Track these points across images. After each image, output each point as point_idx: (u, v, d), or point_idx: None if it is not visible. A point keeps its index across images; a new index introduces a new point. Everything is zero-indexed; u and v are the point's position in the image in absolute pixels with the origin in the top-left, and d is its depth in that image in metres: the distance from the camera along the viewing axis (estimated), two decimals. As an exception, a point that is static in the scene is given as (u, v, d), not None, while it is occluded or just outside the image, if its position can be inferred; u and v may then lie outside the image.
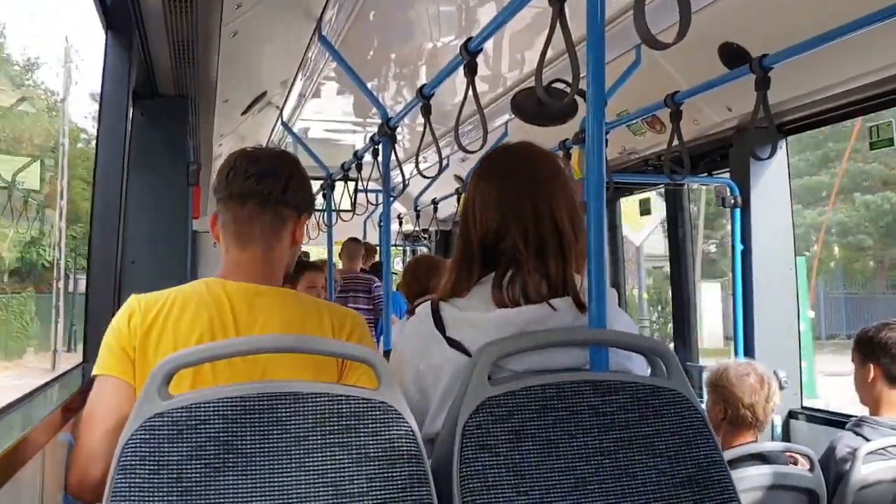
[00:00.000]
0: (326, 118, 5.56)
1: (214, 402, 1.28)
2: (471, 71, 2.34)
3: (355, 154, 4.41)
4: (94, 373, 1.53)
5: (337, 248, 7.43)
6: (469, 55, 2.33)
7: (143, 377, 1.49)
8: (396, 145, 3.53)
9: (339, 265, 6.90)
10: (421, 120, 2.91)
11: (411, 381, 1.57)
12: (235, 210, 1.66)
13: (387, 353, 3.48)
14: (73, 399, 1.84)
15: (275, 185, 1.65)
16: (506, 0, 3.36)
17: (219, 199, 1.69)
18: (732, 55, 3.35)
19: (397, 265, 11.51)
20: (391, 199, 3.74)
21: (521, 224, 1.59)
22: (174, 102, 3.19)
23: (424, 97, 2.85)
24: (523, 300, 1.54)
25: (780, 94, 3.22)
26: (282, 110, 4.91)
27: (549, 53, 1.79)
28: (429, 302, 1.62)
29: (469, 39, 2.33)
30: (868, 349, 2.72)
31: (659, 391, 1.47)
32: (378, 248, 7.64)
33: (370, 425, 1.31)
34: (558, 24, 1.77)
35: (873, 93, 3.21)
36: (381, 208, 5.95)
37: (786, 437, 3.73)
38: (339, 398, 1.32)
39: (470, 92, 2.34)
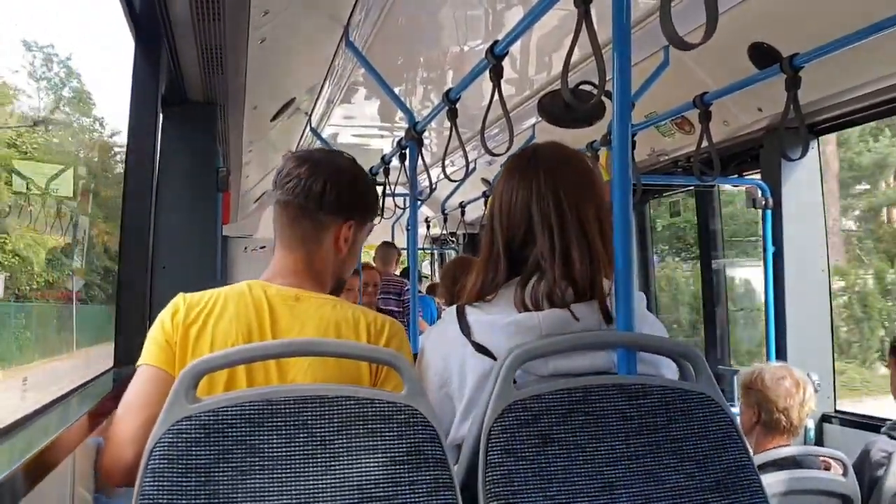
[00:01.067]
0: (355, 123, 5.58)
1: (240, 406, 1.29)
2: (497, 75, 2.34)
3: (383, 159, 4.43)
4: (138, 363, 1.55)
5: (364, 253, 7.48)
6: (495, 59, 2.33)
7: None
8: (424, 149, 3.54)
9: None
10: (448, 124, 2.91)
11: (437, 386, 1.56)
12: (281, 214, 1.68)
13: (414, 357, 3.51)
14: (103, 403, 1.86)
15: (312, 190, 1.64)
16: (532, 2, 3.39)
17: (274, 200, 1.71)
18: (762, 55, 3.31)
19: (425, 268, 11.53)
20: (418, 203, 3.73)
21: (546, 229, 1.58)
22: (203, 109, 3.22)
23: (450, 101, 2.85)
24: (547, 305, 1.53)
25: (811, 93, 3.18)
26: (310, 116, 4.94)
27: (576, 55, 1.79)
28: (454, 306, 1.62)
29: (495, 43, 2.32)
30: None
31: (687, 394, 1.45)
32: (405, 251, 7.66)
33: (395, 429, 1.31)
34: (584, 27, 1.76)
35: (907, 91, 3.16)
36: (408, 212, 5.97)
37: (819, 441, 3.67)
38: (365, 402, 1.32)
39: (496, 96, 2.34)
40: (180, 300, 1.60)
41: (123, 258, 2.63)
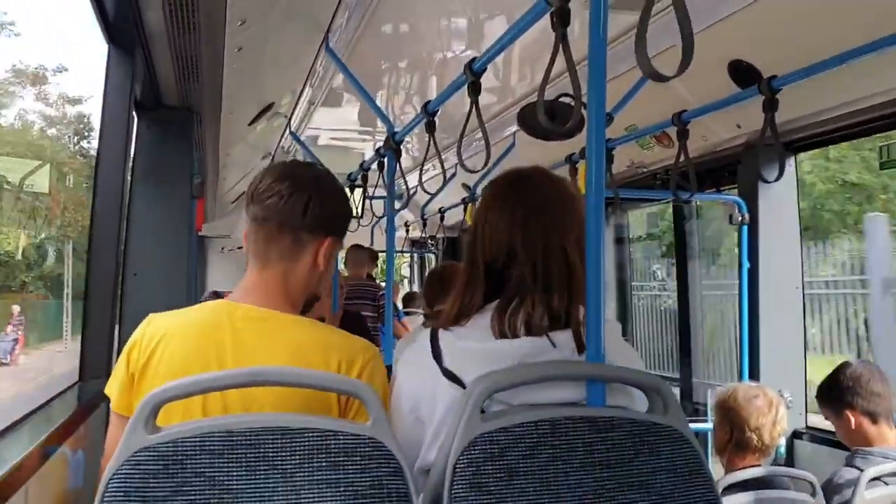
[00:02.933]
0: (335, 126, 5.54)
1: (200, 437, 1.26)
2: (474, 91, 2.32)
3: (361, 165, 4.40)
4: (110, 400, 1.55)
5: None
6: (473, 75, 2.31)
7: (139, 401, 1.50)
8: (405, 152, 3.51)
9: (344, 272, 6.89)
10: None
11: (408, 410, 1.54)
12: (257, 230, 1.63)
13: (388, 368, 3.48)
14: (66, 426, 1.81)
15: (295, 207, 1.60)
16: (513, 14, 3.37)
17: (246, 215, 1.66)
18: (742, 72, 3.32)
19: (404, 270, 11.49)
20: (395, 212, 3.71)
21: (530, 256, 1.56)
22: (179, 114, 3.17)
23: (429, 114, 2.83)
24: (524, 331, 1.51)
25: (789, 112, 3.19)
26: (290, 119, 4.90)
27: (556, 69, 1.77)
28: (428, 330, 1.60)
29: (473, 60, 2.30)
30: (837, 399, 2.65)
31: (655, 428, 1.44)
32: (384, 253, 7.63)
33: (359, 462, 1.29)
34: (560, 49, 1.75)
35: (884, 112, 3.18)
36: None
37: (789, 456, 3.69)
38: (328, 434, 1.30)
39: (474, 111, 2.32)
40: (143, 327, 1.58)
41: (92, 266, 2.58)
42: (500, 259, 1.59)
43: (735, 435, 2.68)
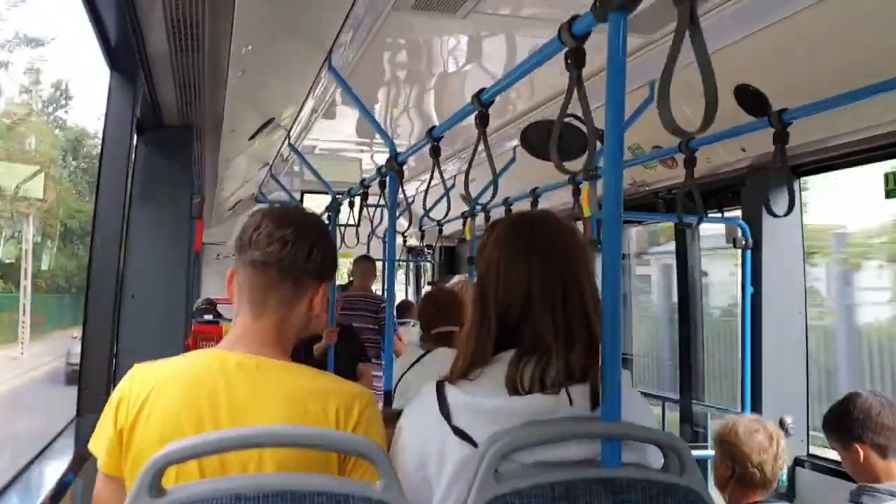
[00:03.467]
0: (333, 138, 5.51)
1: (208, 500, 1.22)
2: (482, 122, 2.28)
3: (362, 182, 4.36)
4: (96, 458, 1.49)
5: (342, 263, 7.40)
6: (481, 106, 2.27)
7: (129, 461, 1.45)
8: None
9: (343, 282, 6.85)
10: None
11: (414, 469, 1.50)
12: (254, 276, 1.57)
13: (387, 395, 3.44)
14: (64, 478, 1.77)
15: (298, 254, 1.56)
16: (516, 35, 3.34)
17: (238, 260, 1.61)
18: (748, 97, 3.29)
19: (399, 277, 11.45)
20: (396, 233, 3.67)
21: (549, 306, 1.52)
22: (179, 133, 3.12)
23: (433, 139, 2.79)
24: (538, 386, 1.47)
25: (795, 137, 3.15)
26: (289, 132, 4.86)
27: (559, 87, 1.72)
28: (434, 384, 1.55)
29: (482, 91, 2.26)
30: (847, 430, 2.57)
31: (671, 489, 1.41)
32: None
33: (370, 528, 1.25)
34: (575, 91, 1.72)
35: (891, 140, 3.16)
36: (384, 223, 5.92)
37: (791, 485, 3.66)
38: (339, 498, 1.26)
39: (481, 144, 2.28)
40: (130, 380, 1.52)
41: (91, 291, 2.52)
42: (515, 307, 1.55)
43: (737, 471, 2.65)
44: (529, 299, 1.53)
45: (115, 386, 1.58)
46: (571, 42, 1.70)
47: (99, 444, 1.50)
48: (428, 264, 9.60)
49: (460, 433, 1.46)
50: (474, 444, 1.43)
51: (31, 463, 1.86)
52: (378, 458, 1.30)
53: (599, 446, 1.45)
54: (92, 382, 2.30)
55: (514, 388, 1.47)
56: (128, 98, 2.37)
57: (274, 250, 1.55)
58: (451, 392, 1.51)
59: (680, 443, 1.46)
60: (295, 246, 1.56)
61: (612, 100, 1.54)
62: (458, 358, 1.58)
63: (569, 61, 1.72)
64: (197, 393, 1.47)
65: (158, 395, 1.47)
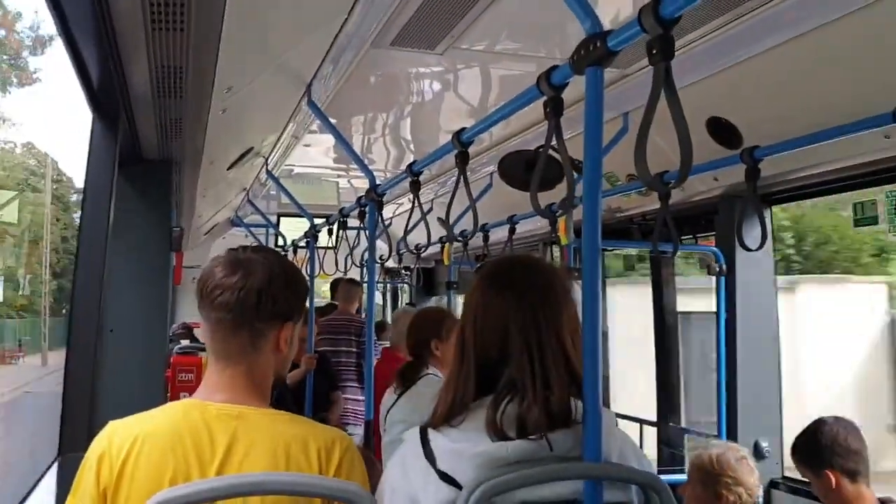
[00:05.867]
0: (312, 164, 5.53)
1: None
2: (463, 161, 2.33)
3: (341, 211, 4.39)
4: None
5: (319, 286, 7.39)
6: (461, 145, 2.32)
7: None
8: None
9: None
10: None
11: None
12: (213, 328, 1.58)
13: (368, 424, 3.44)
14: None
15: (247, 301, 1.54)
16: (494, 75, 3.40)
17: (200, 311, 1.60)
18: (720, 129, 3.37)
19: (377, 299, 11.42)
20: (376, 263, 3.70)
21: (525, 348, 1.54)
22: (158, 167, 3.13)
23: (413, 174, 2.84)
24: (516, 431, 1.50)
25: (765, 168, 3.24)
26: (267, 159, 4.88)
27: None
28: (417, 430, 1.58)
29: (462, 130, 2.31)
30: (817, 457, 2.63)
31: (652, 528, 1.45)
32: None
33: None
34: (554, 137, 1.76)
35: (858, 172, 3.24)
36: (361, 244, 5.93)
37: (767, 507, 3.72)
38: (329, 545, 1.29)
39: (461, 181, 2.32)
40: (108, 437, 1.50)
41: (74, 327, 2.52)
42: (493, 351, 1.57)
43: (731, 499, 2.68)
44: (506, 341, 1.55)
45: (94, 423, 1.58)
46: (550, 91, 1.76)
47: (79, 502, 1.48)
48: (406, 286, 9.61)
49: (446, 477, 1.48)
50: (458, 487, 1.46)
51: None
52: (364, 502, 1.33)
53: (581, 485, 1.48)
54: (74, 418, 2.30)
55: (494, 431, 1.48)
56: (110, 140, 2.38)
57: (222, 301, 1.55)
58: (435, 438, 1.54)
59: (659, 482, 1.50)
60: (241, 293, 1.54)
61: (590, 143, 1.59)
62: (439, 403, 1.60)
63: (547, 109, 1.77)
64: (182, 445, 1.47)
65: (142, 450, 1.46)
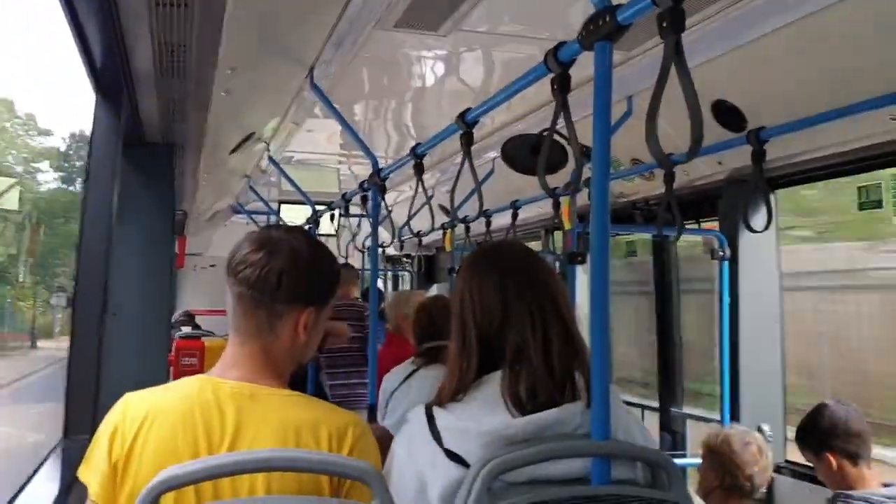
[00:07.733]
0: (314, 149, 5.51)
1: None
2: (467, 142, 2.32)
3: (344, 196, 4.38)
4: (88, 488, 1.46)
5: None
6: (466, 126, 2.31)
7: (126, 494, 1.44)
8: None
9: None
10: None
11: (415, 491, 1.52)
12: (235, 303, 1.57)
13: (371, 408, 3.43)
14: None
15: (266, 283, 1.52)
16: (499, 52, 3.38)
17: (227, 283, 1.58)
18: (725, 112, 3.36)
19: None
20: (378, 246, 3.69)
21: (525, 314, 1.58)
22: (161, 150, 3.12)
23: (417, 156, 2.82)
24: (530, 399, 1.51)
25: (771, 151, 3.23)
26: (269, 144, 4.86)
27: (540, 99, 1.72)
28: (423, 408, 1.58)
29: (467, 111, 2.30)
30: (818, 441, 2.65)
31: (660, 504, 1.45)
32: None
33: (368, 550, 1.27)
34: (562, 115, 1.76)
35: (863, 155, 3.23)
36: (363, 230, 5.90)
37: (769, 491, 3.72)
38: (338, 522, 1.28)
39: (466, 163, 2.31)
40: (122, 410, 1.50)
41: (77, 310, 2.52)
42: (494, 325, 1.60)
43: (727, 481, 2.70)
44: (507, 312, 1.59)
45: (98, 406, 1.57)
46: (557, 68, 1.74)
47: (90, 475, 1.47)
48: (407, 274, 9.61)
49: (453, 456, 1.48)
50: (466, 465, 1.46)
51: (20, 490, 1.85)
52: (374, 481, 1.33)
53: (589, 463, 1.48)
54: (78, 402, 2.29)
55: (513, 401, 1.51)
56: (113, 120, 2.37)
57: (244, 276, 1.54)
58: (440, 415, 1.54)
59: (667, 460, 1.50)
60: (263, 271, 1.53)
61: (598, 122, 1.58)
62: (444, 381, 1.61)
63: (555, 86, 1.76)
64: (192, 423, 1.46)
65: (152, 425, 1.46)
